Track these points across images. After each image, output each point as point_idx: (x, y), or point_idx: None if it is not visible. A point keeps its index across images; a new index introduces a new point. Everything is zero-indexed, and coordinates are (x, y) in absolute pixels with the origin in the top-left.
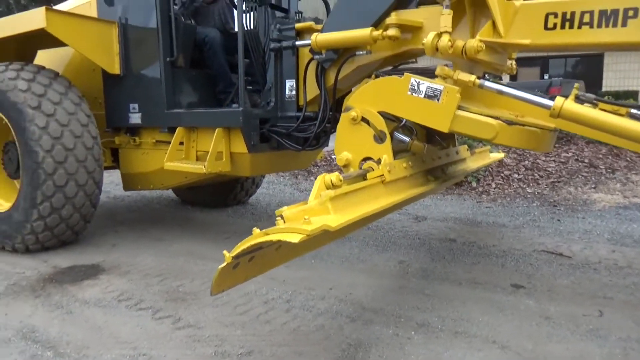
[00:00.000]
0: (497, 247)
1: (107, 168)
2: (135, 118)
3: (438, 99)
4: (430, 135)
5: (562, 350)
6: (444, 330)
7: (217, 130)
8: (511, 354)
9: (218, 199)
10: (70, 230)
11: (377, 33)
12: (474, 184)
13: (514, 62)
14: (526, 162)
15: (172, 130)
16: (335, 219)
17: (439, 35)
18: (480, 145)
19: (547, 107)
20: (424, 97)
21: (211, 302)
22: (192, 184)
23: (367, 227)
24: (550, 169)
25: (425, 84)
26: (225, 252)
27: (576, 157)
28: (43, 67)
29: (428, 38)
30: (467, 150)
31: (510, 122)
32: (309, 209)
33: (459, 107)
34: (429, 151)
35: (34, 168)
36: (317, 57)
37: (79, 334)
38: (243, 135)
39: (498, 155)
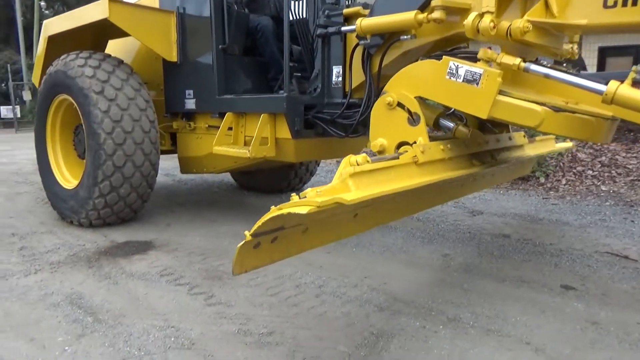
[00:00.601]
0: (554, 246)
1: (167, 152)
2: (190, 104)
3: (477, 84)
4: (482, 123)
5: (604, 358)
6: (475, 327)
7: (262, 115)
8: (543, 357)
9: (272, 185)
10: (128, 208)
11: (421, 16)
12: (542, 180)
13: (574, 46)
14: (603, 157)
15: (222, 116)
16: (352, 195)
17: (481, 15)
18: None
19: (600, 93)
20: (463, 81)
21: (245, 283)
22: (245, 169)
23: (416, 218)
24: (630, 166)
25: (464, 67)
26: (246, 232)
27: None
28: (109, 55)
29: (469, 19)
30: (525, 137)
31: (557, 109)
32: (330, 187)
33: (501, 92)
34: (474, 136)
35: (96, 149)
36: (362, 42)
37: (119, 303)
38: (287, 121)
39: (565, 144)
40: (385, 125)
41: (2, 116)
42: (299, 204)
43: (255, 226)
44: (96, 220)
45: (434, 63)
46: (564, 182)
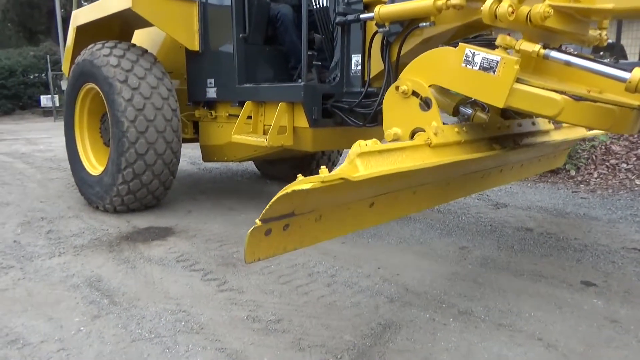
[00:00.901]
0: (578, 241)
1: (189, 140)
2: (212, 92)
3: (494, 71)
4: (504, 110)
5: (619, 357)
6: (485, 321)
7: (280, 104)
8: (555, 354)
9: (294, 175)
10: (151, 195)
11: (441, 2)
12: (572, 172)
13: (603, 33)
14: (639, 150)
15: (242, 105)
16: (360, 173)
17: (499, 0)
18: None
19: (623, 80)
20: (479, 69)
21: (258, 270)
22: (266, 158)
23: (437, 210)
24: None
25: (481, 54)
26: (257, 219)
27: None
28: (133, 45)
29: (486, 4)
30: (550, 122)
31: (578, 98)
32: (338, 168)
33: (518, 80)
34: (492, 120)
35: (119, 136)
36: (381, 30)
37: (134, 287)
38: (304, 110)
39: (597, 131)
40: (399, 114)
41: (42, 105)
42: (304, 181)
43: (264, 210)
44: (120, 206)
45: (449, 50)
46: (595, 175)
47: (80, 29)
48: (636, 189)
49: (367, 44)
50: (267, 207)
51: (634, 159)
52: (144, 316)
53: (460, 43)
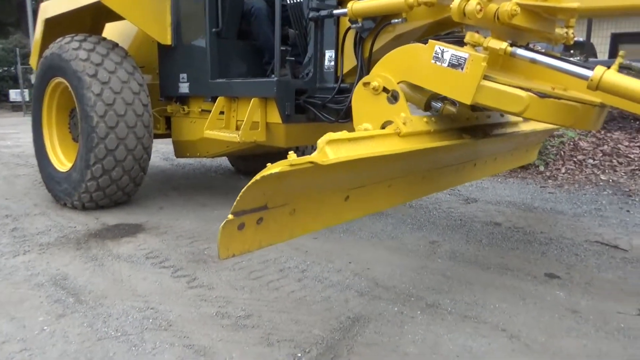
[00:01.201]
0: (544, 235)
1: (162, 136)
2: (184, 87)
3: (462, 68)
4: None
5: (578, 347)
6: (452, 313)
7: (252, 100)
8: (518, 345)
9: None
10: (121, 192)
11: None
12: (541, 168)
13: (570, 31)
14: (605, 146)
15: (215, 100)
16: (329, 158)
17: None
18: None
19: (585, 78)
20: (448, 65)
21: (229, 266)
22: (240, 154)
23: (409, 205)
24: (632, 156)
25: (450, 51)
26: (230, 213)
27: None
28: (104, 39)
29: (455, 1)
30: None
31: (543, 95)
32: (307, 158)
33: (486, 77)
34: (461, 112)
35: (88, 132)
36: (354, 26)
37: (102, 285)
38: (277, 105)
39: None
40: (369, 110)
41: (11, 99)
42: (273, 167)
43: (236, 202)
44: (89, 202)
45: (419, 47)
46: (563, 170)
47: (49, 22)
48: (601, 184)
49: (340, 40)
50: (239, 198)
51: (600, 155)
52: (111, 314)
53: (430, 40)
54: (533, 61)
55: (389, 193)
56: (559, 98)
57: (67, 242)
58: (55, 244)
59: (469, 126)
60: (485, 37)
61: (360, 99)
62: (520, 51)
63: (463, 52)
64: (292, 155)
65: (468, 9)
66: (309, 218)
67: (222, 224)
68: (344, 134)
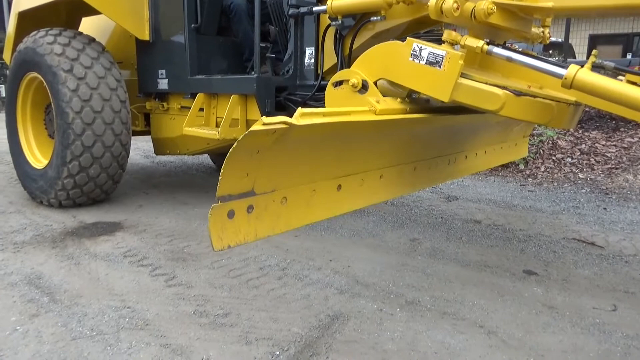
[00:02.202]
0: (523, 232)
1: (141, 133)
2: (163, 84)
3: (440, 66)
4: None
5: (554, 342)
6: (431, 310)
7: (232, 96)
8: (495, 340)
9: None
10: (99, 189)
11: None
12: (521, 167)
13: (546, 31)
14: (583, 145)
15: (195, 97)
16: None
17: None
18: None
19: (559, 77)
20: (425, 63)
21: (209, 264)
22: (221, 151)
23: (390, 203)
24: (609, 154)
25: (427, 49)
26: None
27: None
28: (80, 33)
29: (432, 0)
30: None
31: (519, 93)
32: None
33: (463, 75)
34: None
35: (64, 128)
36: (334, 23)
37: (77, 284)
38: (257, 102)
39: None
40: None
41: None
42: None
43: (219, 184)
44: (66, 200)
45: (397, 44)
46: (542, 169)
47: (22, 15)
48: (579, 182)
49: (320, 37)
50: (221, 177)
51: (578, 153)
52: (86, 313)
53: (408, 37)
54: (509, 59)
55: (382, 184)
56: (535, 96)
57: (42, 241)
58: (31, 242)
59: (445, 107)
60: (462, 36)
61: (333, 97)
62: (497, 49)
63: (440, 50)
64: (264, 119)
65: (445, 7)
66: (302, 208)
67: (210, 210)
68: (317, 109)
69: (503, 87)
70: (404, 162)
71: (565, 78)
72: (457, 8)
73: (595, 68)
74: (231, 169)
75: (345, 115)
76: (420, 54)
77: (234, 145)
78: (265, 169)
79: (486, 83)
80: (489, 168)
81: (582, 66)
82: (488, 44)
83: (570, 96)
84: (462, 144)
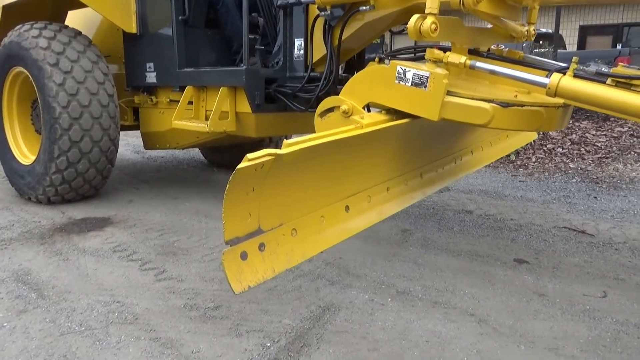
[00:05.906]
0: (514, 221)
1: (130, 127)
2: (151, 77)
3: (425, 87)
4: None
5: (545, 329)
6: (422, 300)
7: (221, 89)
8: (486, 328)
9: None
10: (87, 185)
11: None
12: (512, 157)
13: (532, 28)
14: (573, 135)
15: (184, 90)
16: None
17: (423, 17)
18: None
19: (543, 86)
20: (411, 85)
21: (199, 258)
22: (211, 145)
23: None
24: (599, 144)
25: (412, 71)
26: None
27: (632, 132)
28: (65, 26)
29: (411, 21)
30: None
31: (506, 104)
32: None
33: (449, 93)
34: None
35: (51, 123)
36: (323, 13)
37: (66, 279)
38: (247, 95)
39: None
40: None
41: None
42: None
43: (224, 229)
44: (54, 196)
45: (382, 68)
46: (533, 159)
47: (7, 9)
48: (570, 172)
49: (309, 28)
50: (223, 222)
51: (569, 143)
52: (75, 309)
53: (391, 60)
54: (492, 72)
55: (390, 197)
56: (522, 105)
57: (30, 237)
58: (19, 239)
59: None
60: (445, 52)
61: (322, 129)
62: (480, 64)
63: (424, 71)
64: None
65: (423, 29)
66: (315, 236)
67: (222, 256)
68: (303, 137)
69: (490, 100)
70: (407, 171)
71: (549, 87)
72: (436, 29)
73: (578, 72)
74: (231, 211)
75: (332, 136)
76: (405, 76)
77: (227, 187)
78: (267, 205)
79: (472, 98)
80: (499, 157)
81: (565, 73)
82: (472, 55)
83: (558, 100)
84: (464, 140)
